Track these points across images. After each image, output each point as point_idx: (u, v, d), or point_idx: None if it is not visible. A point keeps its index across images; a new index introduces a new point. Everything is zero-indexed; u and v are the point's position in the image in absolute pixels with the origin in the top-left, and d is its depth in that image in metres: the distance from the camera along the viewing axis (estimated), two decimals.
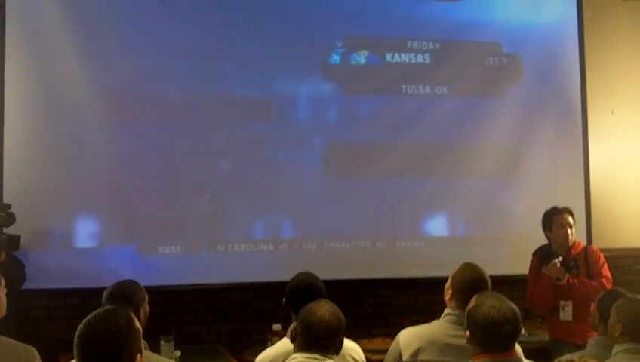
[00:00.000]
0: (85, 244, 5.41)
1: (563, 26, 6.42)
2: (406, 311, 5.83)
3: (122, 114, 5.49)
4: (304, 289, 3.37)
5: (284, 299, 3.47)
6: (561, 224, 4.89)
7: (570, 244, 4.91)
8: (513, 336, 2.69)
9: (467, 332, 2.75)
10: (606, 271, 4.88)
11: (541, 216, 5.04)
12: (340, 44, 5.93)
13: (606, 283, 4.74)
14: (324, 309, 2.75)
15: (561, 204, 5.02)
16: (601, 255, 4.97)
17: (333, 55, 5.91)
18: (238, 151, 5.71)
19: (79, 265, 5.30)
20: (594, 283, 4.76)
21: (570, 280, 4.78)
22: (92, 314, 2.27)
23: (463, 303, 3.05)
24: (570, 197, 5.66)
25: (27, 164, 5.28)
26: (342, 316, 2.78)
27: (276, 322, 4.62)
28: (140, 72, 5.56)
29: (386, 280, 5.91)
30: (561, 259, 4.83)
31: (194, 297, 5.57)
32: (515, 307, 2.71)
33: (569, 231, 4.90)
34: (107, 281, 3.60)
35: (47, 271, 5.22)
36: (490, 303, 2.70)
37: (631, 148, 6.60)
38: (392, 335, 3.39)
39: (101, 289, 3.43)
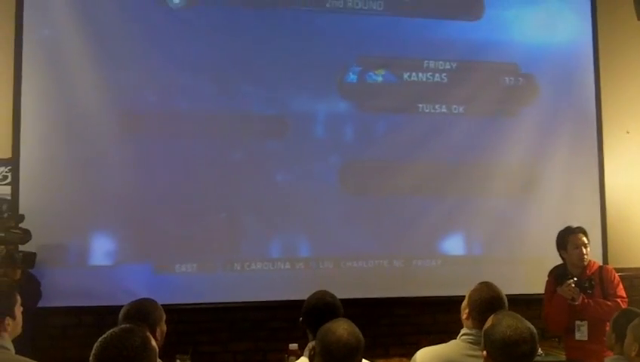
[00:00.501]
0: (101, 262, 5.42)
1: (578, 46, 6.44)
2: (423, 331, 5.80)
3: (138, 131, 5.53)
4: (321, 308, 3.36)
5: (300, 318, 3.47)
6: (576, 244, 4.88)
7: (585, 264, 4.89)
8: (530, 356, 2.68)
9: (484, 352, 2.75)
10: (621, 291, 4.85)
11: (556, 235, 5.03)
12: (356, 63, 5.96)
13: (621, 303, 4.71)
14: (342, 329, 2.74)
15: (576, 224, 5.01)
16: (616, 275, 4.95)
17: (350, 74, 5.94)
18: (254, 169, 5.73)
19: (95, 283, 5.32)
20: (609, 303, 4.73)
21: (586, 301, 4.75)
22: (108, 333, 2.28)
23: (480, 322, 3.04)
24: (586, 217, 5.67)
25: (43, 181, 5.33)
26: (361, 336, 2.76)
27: (293, 342, 4.61)
28: (157, 89, 5.61)
29: (402, 299, 5.90)
30: (575, 279, 4.80)
31: (210, 316, 5.58)
32: (531, 326, 2.70)
33: (584, 250, 4.88)
34: (123, 300, 3.60)
35: (62, 289, 5.24)
36: (507, 322, 2.69)
37: None
38: (409, 355, 3.38)
39: (117, 308, 3.42)
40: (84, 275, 5.35)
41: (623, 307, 4.55)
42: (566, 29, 6.41)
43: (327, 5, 5.96)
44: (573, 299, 4.75)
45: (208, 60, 5.70)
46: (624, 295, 4.84)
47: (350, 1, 6.00)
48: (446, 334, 3.36)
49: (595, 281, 4.85)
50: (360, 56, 5.99)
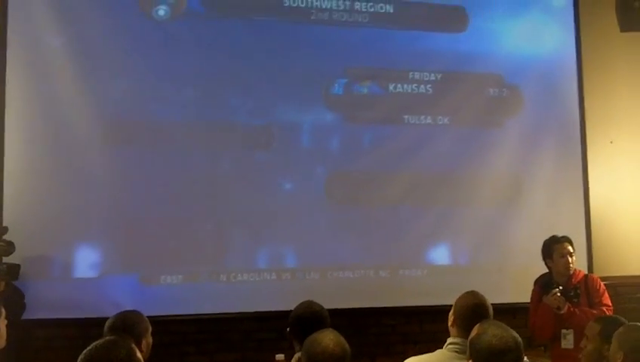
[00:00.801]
0: (86, 274, 5.39)
1: (562, 57, 6.50)
2: (410, 340, 5.81)
3: (123, 142, 5.51)
4: (308, 318, 3.36)
5: (287, 329, 3.46)
6: (562, 253, 4.91)
7: (570, 273, 4.92)
8: None
9: (470, 361, 2.75)
10: (606, 300, 4.88)
11: (542, 244, 5.05)
12: (342, 75, 5.98)
13: (607, 312, 4.74)
14: (328, 339, 2.73)
15: (561, 233, 5.04)
16: (602, 283, 4.98)
17: (336, 85, 5.96)
18: (240, 179, 5.72)
19: (80, 295, 5.28)
20: (595, 311, 4.75)
21: (571, 309, 4.77)
22: (93, 345, 2.26)
23: (464, 329, 3.07)
24: (570, 226, 5.70)
25: (27, 193, 5.29)
26: (347, 346, 2.75)
27: (279, 352, 4.60)
28: (142, 99, 5.59)
29: (389, 309, 5.90)
30: (561, 288, 4.83)
31: (196, 327, 5.55)
32: (517, 335, 2.70)
33: (570, 259, 4.91)
34: (108, 311, 3.59)
35: (47, 301, 5.20)
36: (493, 332, 2.69)
37: (630, 177, 6.64)
38: None
39: (102, 320, 3.41)
40: (68, 287, 5.32)
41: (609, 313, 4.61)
42: (550, 40, 6.48)
43: (313, 17, 5.98)
44: (559, 308, 4.77)
45: (194, 72, 5.70)
46: (610, 303, 4.87)
47: (336, 14, 6.03)
48: (433, 343, 3.36)
49: (581, 290, 4.87)
50: (346, 68, 6.01)
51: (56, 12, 5.45)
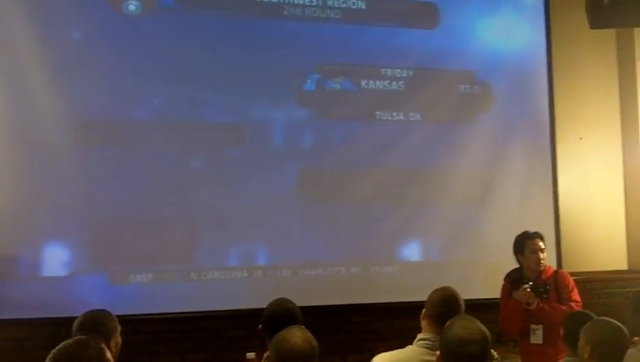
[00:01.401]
0: (55, 273, 5.31)
1: (533, 54, 6.55)
2: (381, 337, 5.82)
3: (94, 140, 5.44)
4: (280, 316, 3.36)
5: (259, 327, 3.45)
6: (534, 249, 4.94)
7: (541, 269, 4.95)
8: (480, 357, 2.70)
9: (438, 353, 2.78)
10: (576, 296, 4.92)
11: (512, 240, 5.09)
12: (314, 71, 5.97)
13: (576, 308, 4.78)
14: (296, 336, 2.73)
15: (531, 229, 5.07)
16: (571, 279, 5.02)
17: (308, 81, 5.95)
18: (211, 177, 5.68)
19: (49, 295, 5.22)
20: (564, 307, 4.79)
21: (541, 305, 4.81)
22: (62, 345, 2.24)
23: (436, 323, 3.13)
24: (540, 222, 5.74)
25: None
26: (315, 342, 2.75)
27: (250, 351, 4.59)
28: (112, 98, 5.52)
29: (360, 306, 5.91)
30: (531, 283, 4.86)
31: (167, 326, 5.51)
32: (484, 329, 2.73)
33: (541, 255, 4.94)
34: (77, 311, 3.55)
35: (15, 301, 5.15)
36: (461, 323, 2.75)
37: (599, 173, 6.73)
38: (367, 361, 3.38)
39: (71, 319, 3.39)
40: (37, 287, 5.25)
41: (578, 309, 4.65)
42: (521, 37, 6.52)
43: (285, 13, 5.96)
44: (528, 304, 4.81)
45: (165, 68, 5.64)
46: (579, 299, 4.92)
47: (308, 9, 6.01)
48: (404, 340, 3.37)
49: (551, 286, 4.91)
50: (318, 64, 6.00)
51: (24, 8, 5.36)
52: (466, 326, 2.71)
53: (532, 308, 4.80)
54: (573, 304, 4.84)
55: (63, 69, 5.40)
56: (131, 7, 5.60)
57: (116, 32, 5.56)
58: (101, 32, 5.51)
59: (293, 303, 3.51)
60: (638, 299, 3.87)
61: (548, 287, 4.90)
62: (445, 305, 3.21)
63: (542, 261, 4.95)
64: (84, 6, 5.50)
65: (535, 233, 5.02)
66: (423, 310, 3.34)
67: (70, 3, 5.47)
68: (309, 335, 2.77)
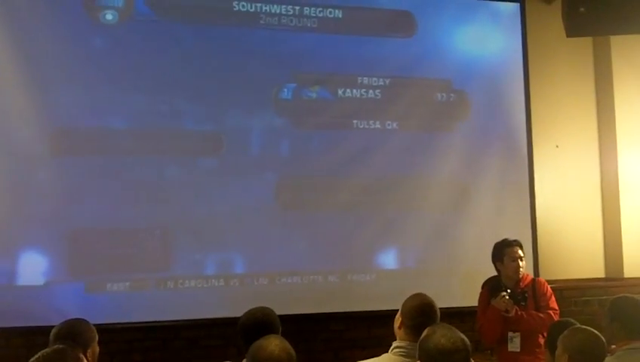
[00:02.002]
0: (30, 282, 5.27)
1: (509, 62, 6.59)
2: (358, 345, 5.82)
3: (69, 149, 5.43)
4: (257, 324, 3.33)
5: (239, 335, 3.43)
6: (513, 257, 4.94)
7: (520, 277, 4.96)
8: None
9: None
10: (553, 304, 4.93)
11: (489, 248, 5.09)
12: (291, 80, 5.97)
13: (553, 316, 4.80)
14: (273, 345, 2.71)
15: (510, 237, 5.08)
16: (549, 287, 5.03)
17: (285, 90, 5.95)
18: (188, 186, 5.67)
19: (24, 304, 5.18)
20: (542, 315, 4.81)
21: (519, 313, 4.82)
22: (40, 354, 2.22)
23: (412, 331, 3.10)
24: (516, 230, 5.75)
25: None
26: (292, 351, 2.73)
27: (227, 359, 4.56)
28: (89, 106, 5.50)
29: (337, 314, 5.91)
30: (509, 291, 4.87)
31: (143, 335, 5.48)
32: (465, 337, 2.73)
33: (520, 264, 4.94)
34: (53, 320, 3.53)
35: None
36: (441, 332, 2.73)
37: (575, 181, 6.78)
38: None
39: (47, 328, 3.37)
40: (12, 295, 5.21)
41: (556, 319, 4.66)
42: (497, 46, 6.56)
43: (262, 22, 5.96)
44: (507, 311, 4.81)
45: (141, 77, 5.64)
46: (556, 307, 4.93)
47: (285, 18, 6.02)
48: (381, 348, 3.36)
49: (528, 294, 4.92)
50: (295, 72, 6.00)
51: (0, 17, 5.34)
52: (448, 336, 2.69)
53: (510, 315, 4.81)
54: (551, 312, 4.85)
55: (39, 78, 5.39)
56: (108, 17, 5.58)
57: (93, 41, 5.57)
58: (77, 42, 5.50)
59: (271, 311, 3.48)
60: (615, 307, 3.88)
61: (526, 295, 4.90)
62: (423, 314, 3.18)
63: (521, 269, 4.96)
64: (60, 15, 5.50)
65: (515, 241, 5.02)
66: (397, 317, 3.33)
67: (46, 12, 5.45)
68: (287, 344, 2.75)
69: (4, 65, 5.31)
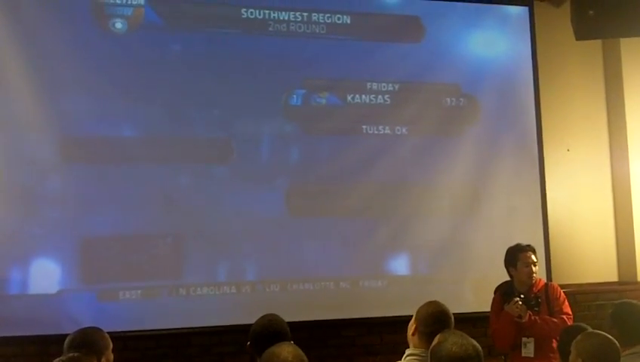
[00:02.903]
0: (44, 290, 5.29)
1: (519, 66, 6.56)
2: (370, 352, 5.81)
3: (81, 158, 5.45)
4: (268, 332, 3.33)
5: (248, 343, 3.43)
6: (526, 262, 4.91)
7: (533, 282, 4.94)
8: None
9: None
10: (567, 308, 4.90)
11: (501, 253, 5.07)
12: (300, 86, 5.97)
13: (567, 320, 4.77)
14: (286, 352, 2.70)
15: (520, 242, 5.06)
16: (562, 292, 5.00)
17: (295, 96, 5.96)
18: (199, 193, 5.67)
19: (37, 312, 5.20)
20: (555, 320, 4.78)
21: (533, 318, 4.80)
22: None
23: (426, 338, 3.09)
24: (529, 235, 5.72)
25: None
26: (305, 358, 2.72)
27: None
28: (99, 114, 5.51)
29: (349, 321, 5.89)
30: (522, 296, 4.85)
31: (155, 343, 5.49)
32: (477, 344, 2.72)
33: (533, 269, 4.92)
34: (66, 328, 3.55)
35: (3, 319, 5.13)
36: (453, 340, 2.71)
37: (587, 185, 6.74)
38: None
39: (60, 336, 3.37)
40: (26, 304, 5.23)
41: (569, 324, 4.64)
42: (506, 50, 6.54)
43: (271, 29, 5.97)
44: (520, 317, 4.79)
45: (151, 85, 5.66)
46: (570, 312, 4.90)
47: (293, 25, 6.03)
48: (393, 354, 3.37)
49: (542, 299, 4.89)
50: (304, 79, 6.01)
51: (10, 26, 5.37)
52: (459, 343, 2.68)
53: (523, 321, 4.79)
54: (564, 316, 4.82)
55: (50, 86, 5.41)
56: (118, 25, 5.60)
57: (103, 49, 5.57)
58: (88, 50, 5.52)
59: (280, 320, 3.47)
60: (617, 312, 3.89)
61: (539, 300, 4.88)
62: (439, 321, 3.17)
63: (535, 274, 4.94)
64: (70, 24, 5.53)
65: (528, 246, 5.00)
66: (411, 324, 3.32)
67: (56, 21, 5.48)
68: (299, 351, 2.74)
69: (16, 74, 5.34)
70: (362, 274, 5.94)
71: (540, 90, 6.56)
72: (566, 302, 4.94)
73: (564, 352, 3.47)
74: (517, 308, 4.79)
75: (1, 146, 5.30)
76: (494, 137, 6.38)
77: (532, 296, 4.90)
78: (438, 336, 2.83)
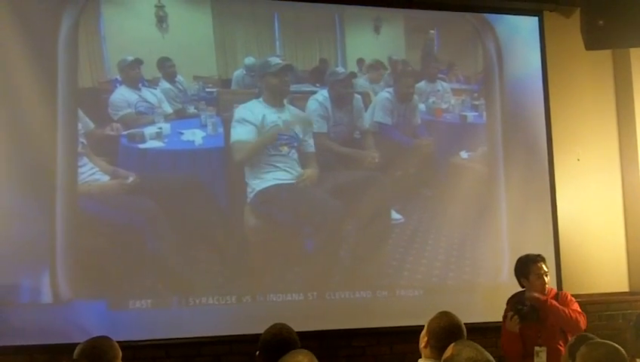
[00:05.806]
0: (54, 300, 5.30)
1: (529, 75, 6.55)
2: None
3: None
4: (278, 341, 3.33)
5: (257, 353, 3.43)
6: (538, 274, 4.85)
7: (546, 293, 4.91)
8: None
9: None
10: (577, 307, 4.86)
11: (511, 263, 5.05)
12: None
13: (579, 316, 4.75)
14: (301, 357, 2.71)
15: (530, 252, 5.03)
16: (573, 298, 4.97)
17: None
18: (208, 202, 5.68)
19: (47, 321, 5.21)
20: (567, 310, 4.75)
21: (549, 301, 4.76)
22: None
23: (438, 350, 3.06)
24: (539, 245, 5.71)
25: None
26: None
27: None
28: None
29: (360, 331, 5.86)
30: (520, 308, 4.79)
31: (165, 352, 5.47)
32: (491, 357, 2.69)
33: (546, 280, 4.89)
34: (76, 337, 3.56)
35: (13, 328, 5.15)
36: (467, 354, 2.68)
37: (597, 194, 6.70)
38: None
39: (71, 346, 3.38)
40: (36, 313, 5.23)
41: (583, 320, 4.68)
42: (516, 59, 6.53)
43: None
44: (520, 319, 4.76)
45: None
46: (580, 311, 4.85)
47: None
48: None
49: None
50: None
51: (22, 37, 5.40)
52: (473, 358, 2.66)
53: (544, 299, 4.75)
54: (577, 313, 4.79)
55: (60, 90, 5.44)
56: None
57: (115, 48, 5.61)
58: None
59: (290, 328, 3.48)
60: None
61: (539, 313, 4.83)
62: (452, 335, 3.12)
63: (547, 285, 4.91)
64: None
65: (538, 256, 4.94)
66: (423, 336, 3.31)
67: None
68: (314, 359, 2.75)
69: (27, 77, 5.37)
70: (372, 284, 5.92)
71: (550, 100, 6.54)
72: (576, 304, 4.90)
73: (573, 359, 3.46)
74: (515, 324, 4.77)
75: (10, 153, 5.31)
76: (504, 147, 6.37)
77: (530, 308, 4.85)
78: (451, 347, 2.80)
